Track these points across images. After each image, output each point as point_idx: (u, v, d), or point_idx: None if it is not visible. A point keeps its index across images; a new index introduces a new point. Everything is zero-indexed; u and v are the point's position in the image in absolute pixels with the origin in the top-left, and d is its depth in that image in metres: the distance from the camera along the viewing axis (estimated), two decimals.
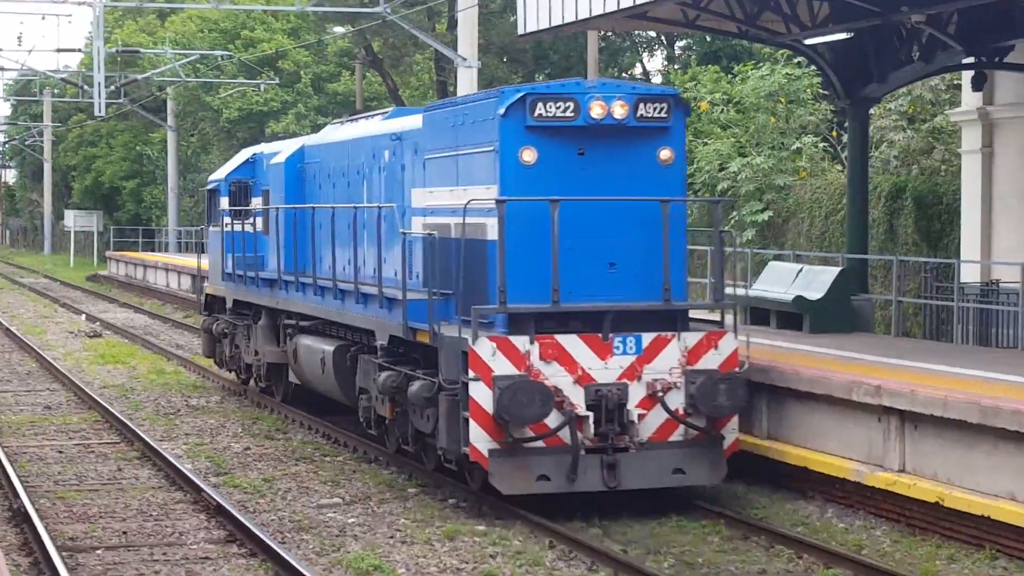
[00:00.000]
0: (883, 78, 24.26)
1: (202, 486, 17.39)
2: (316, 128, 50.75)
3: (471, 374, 15.81)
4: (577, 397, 16.03)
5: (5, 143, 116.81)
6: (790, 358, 18.73)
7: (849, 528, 15.89)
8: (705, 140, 38.63)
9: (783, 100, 37.52)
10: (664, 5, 24.43)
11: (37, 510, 16.24)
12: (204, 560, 14.50)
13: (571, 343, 16.10)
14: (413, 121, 19.10)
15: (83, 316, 45.00)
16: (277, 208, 23.33)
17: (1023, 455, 14.45)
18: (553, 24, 26.19)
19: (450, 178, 17.60)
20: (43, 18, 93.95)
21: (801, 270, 24.20)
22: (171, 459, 19.30)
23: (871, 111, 27.82)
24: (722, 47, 52.60)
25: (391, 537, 15.46)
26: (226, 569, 14.14)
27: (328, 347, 20.61)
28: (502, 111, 16.31)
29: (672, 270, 16.51)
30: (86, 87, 61.64)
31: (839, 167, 36.99)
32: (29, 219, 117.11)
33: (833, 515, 16.48)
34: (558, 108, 16.29)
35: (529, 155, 16.31)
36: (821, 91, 36.28)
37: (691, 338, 16.52)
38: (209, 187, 27.66)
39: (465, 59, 34.29)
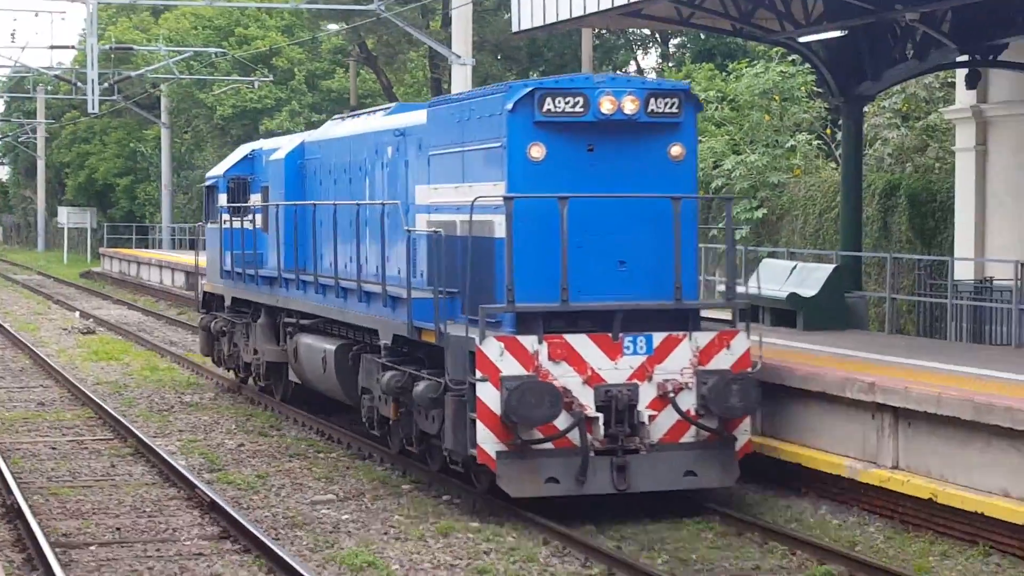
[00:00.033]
0: (877, 76, 24.31)
1: (196, 482, 17.37)
2: (310, 125, 50.79)
3: (478, 374, 15.49)
4: (586, 398, 15.69)
5: None
6: (784, 355, 18.73)
7: (843, 524, 15.90)
8: (700, 138, 38.63)
9: (777, 98, 37.58)
10: (658, 3, 24.42)
11: (30, 506, 16.24)
12: (198, 556, 14.49)
13: (580, 343, 15.77)
14: (417, 117, 18.78)
15: (76, 313, 44.96)
16: (277, 205, 23.01)
17: (1016, 452, 14.48)
18: (547, 22, 26.20)
19: (456, 175, 17.30)
20: (37, 15, 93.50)
21: (795, 267, 24.22)
22: (165, 455, 19.28)
23: (865, 109, 27.90)
24: (716, 45, 52.65)
25: (385, 533, 15.46)
26: (219, 565, 14.13)
27: (329, 346, 20.33)
28: (510, 106, 15.96)
29: (683, 268, 16.18)
30: (80, 84, 61.56)
31: (833, 165, 37.05)
32: (22, 216, 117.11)
33: (827, 511, 16.48)
34: (567, 103, 15.96)
35: (537, 151, 15.99)
36: (815, 89, 36.35)
37: (703, 338, 16.20)
38: (207, 183, 27.33)
39: (459, 56, 34.27)
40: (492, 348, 15.53)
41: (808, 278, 23.31)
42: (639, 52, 62.21)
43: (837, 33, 23.72)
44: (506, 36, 45.43)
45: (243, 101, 63.31)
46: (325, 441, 21.32)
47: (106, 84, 61.25)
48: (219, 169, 26.80)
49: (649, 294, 16.24)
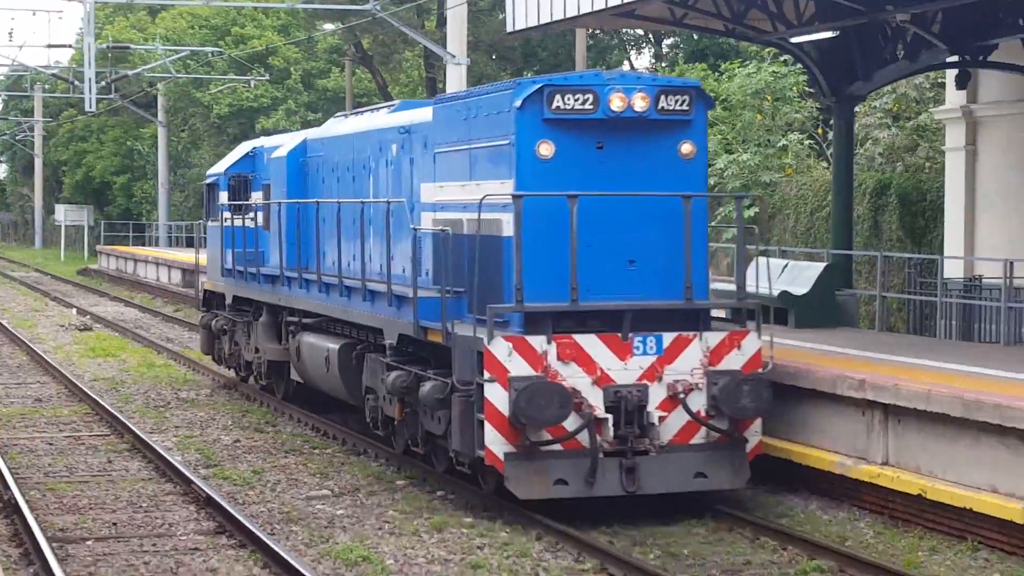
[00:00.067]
0: (868, 76, 24.41)
1: (192, 478, 17.46)
2: (306, 124, 50.89)
3: (486, 375, 15.29)
4: (596, 399, 15.51)
5: None
6: (776, 353, 18.78)
7: (833, 520, 15.99)
8: None
9: (769, 98, 37.71)
10: (651, 3, 24.46)
11: (27, 501, 16.33)
12: (193, 551, 14.58)
13: (590, 343, 15.57)
14: (423, 114, 18.53)
15: (74, 310, 45.02)
16: (280, 203, 22.73)
17: (1004, 448, 14.58)
18: (542, 22, 26.23)
19: (462, 172, 17.09)
20: (34, 14, 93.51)
21: (787, 266, 24.33)
22: (161, 451, 19.36)
23: (856, 109, 27.99)
24: (709, 45, 52.78)
25: (379, 528, 15.53)
26: (215, 560, 14.22)
27: (333, 345, 20.15)
28: (518, 103, 15.72)
29: (694, 268, 15.99)
30: (77, 83, 61.58)
31: (824, 164, 37.19)
32: (20, 213, 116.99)
33: (817, 507, 16.58)
34: (576, 100, 15.70)
35: (546, 149, 15.75)
36: (807, 89, 36.49)
37: (713, 338, 16.00)
38: (208, 181, 27.06)
39: (454, 56, 34.34)
40: (500, 348, 15.34)
41: (800, 276, 23.40)
42: (632, 52, 62.32)
43: (829, 34, 23.81)
44: (501, 36, 45.55)
45: (239, 100, 63.41)
46: (320, 437, 21.40)
47: (103, 83, 61.29)
48: (220, 167, 26.52)
49: (659, 294, 16.05)
